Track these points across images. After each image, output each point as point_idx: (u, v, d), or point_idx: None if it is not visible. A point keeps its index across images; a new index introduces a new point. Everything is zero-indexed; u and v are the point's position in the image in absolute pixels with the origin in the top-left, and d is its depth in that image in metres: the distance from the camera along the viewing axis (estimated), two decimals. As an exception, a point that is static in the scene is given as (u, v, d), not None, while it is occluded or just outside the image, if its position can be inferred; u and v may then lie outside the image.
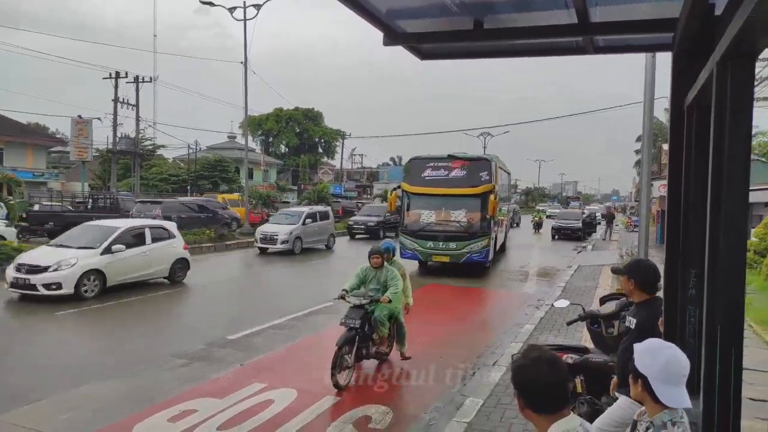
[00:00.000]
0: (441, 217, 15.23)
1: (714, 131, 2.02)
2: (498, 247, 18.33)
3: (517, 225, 38.37)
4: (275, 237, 19.73)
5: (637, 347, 2.27)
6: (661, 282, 3.63)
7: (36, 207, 23.63)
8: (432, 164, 15.40)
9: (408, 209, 15.65)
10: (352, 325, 6.45)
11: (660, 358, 2.16)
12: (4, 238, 16.08)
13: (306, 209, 22.53)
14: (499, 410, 5.58)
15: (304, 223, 20.70)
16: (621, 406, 3.58)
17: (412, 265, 15.47)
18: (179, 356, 7.55)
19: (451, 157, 15.43)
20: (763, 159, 28.52)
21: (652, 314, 3.50)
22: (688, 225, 2.79)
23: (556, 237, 29.89)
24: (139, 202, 26.08)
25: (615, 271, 4.55)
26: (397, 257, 7.81)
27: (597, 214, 39.08)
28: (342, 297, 6.76)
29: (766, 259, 13.64)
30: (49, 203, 24.40)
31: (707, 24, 2.39)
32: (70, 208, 23.53)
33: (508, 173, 23.29)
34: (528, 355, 1.99)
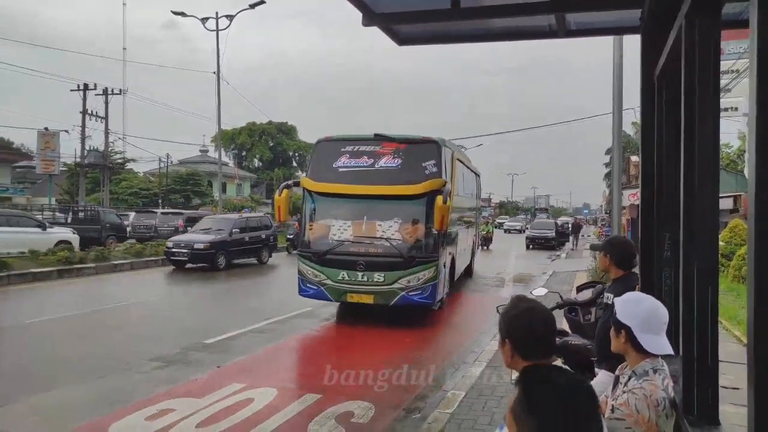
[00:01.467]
0: (361, 231, 9.82)
1: (685, 86, 2.12)
2: (458, 274, 13.75)
3: None
4: None
5: (618, 300, 2.36)
6: (637, 259, 3.75)
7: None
8: (350, 148, 10.12)
9: (310, 219, 10.28)
10: None
11: (641, 308, 2.25)
12: (70, 243, 18.24)
13: None
14: (480, 401, 5.63)
15: None
16: (601, 381, 3.65)
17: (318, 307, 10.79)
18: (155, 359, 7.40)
19: (380, 138, 10.12)
20: (727, 169, 29.58)
21: (629, 287, 3.60)
22: (661, 192, 2.89)
23: (531, 246, 30.46)
24: (162, 213, 28.45)
25: (593, 247, 4.67)
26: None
27: (569, 225, 39.87)
28: None
29: (732, 262, 14.09)
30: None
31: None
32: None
33: (477, 174, 18.17)
34: (519, 305, 2.04)
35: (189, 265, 17.64)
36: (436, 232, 9.69)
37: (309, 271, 9.95)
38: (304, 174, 10.87)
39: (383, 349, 8.02)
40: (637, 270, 3.77)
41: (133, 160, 45.63)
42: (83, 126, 34.75)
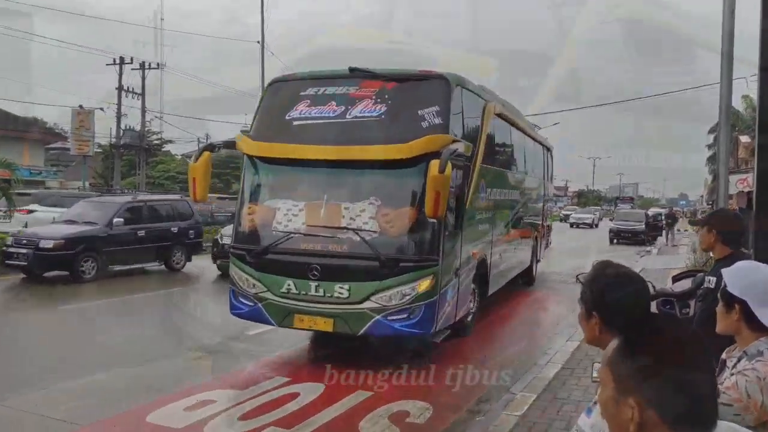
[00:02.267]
0: (318, 217, 7.17)
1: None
2: (499, 284, 10.56)
3: None
4: None
5: (728, 271, 2.26)
6: (747, 236, 3.59)
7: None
8: (313, 90, 7.55)
9: (250, 199, 7.82)
10: None
11: (760, 276, 2.15)
12: None
13: None
14: (555, 404, 5.57)
15: None
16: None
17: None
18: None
19: (358, 74, 7.54)
20: None
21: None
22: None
23: (615, 241, 29.48)
24: (218, 198, 27.26)
25: (694, 223, 4.50)
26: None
27: (662, 216, 38.21)
28: None
29: None
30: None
31: None
32: None
33: (546, 147, 15.81)
34: (607, 272, 1.99)
35: (42, 273, 12.72)
36: (434, 221, 6.83)
37: (242, 277, 7.31)
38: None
39: (440, 346, 8.04)
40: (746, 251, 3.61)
41: (171, 142, 47.40)
42: (119, 103, 36.24)
